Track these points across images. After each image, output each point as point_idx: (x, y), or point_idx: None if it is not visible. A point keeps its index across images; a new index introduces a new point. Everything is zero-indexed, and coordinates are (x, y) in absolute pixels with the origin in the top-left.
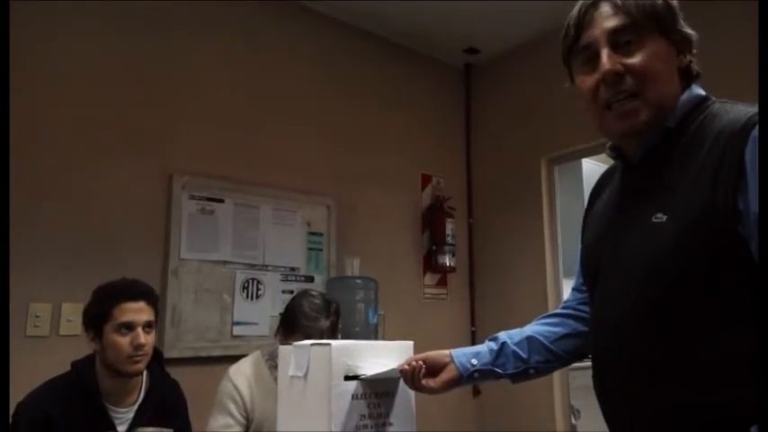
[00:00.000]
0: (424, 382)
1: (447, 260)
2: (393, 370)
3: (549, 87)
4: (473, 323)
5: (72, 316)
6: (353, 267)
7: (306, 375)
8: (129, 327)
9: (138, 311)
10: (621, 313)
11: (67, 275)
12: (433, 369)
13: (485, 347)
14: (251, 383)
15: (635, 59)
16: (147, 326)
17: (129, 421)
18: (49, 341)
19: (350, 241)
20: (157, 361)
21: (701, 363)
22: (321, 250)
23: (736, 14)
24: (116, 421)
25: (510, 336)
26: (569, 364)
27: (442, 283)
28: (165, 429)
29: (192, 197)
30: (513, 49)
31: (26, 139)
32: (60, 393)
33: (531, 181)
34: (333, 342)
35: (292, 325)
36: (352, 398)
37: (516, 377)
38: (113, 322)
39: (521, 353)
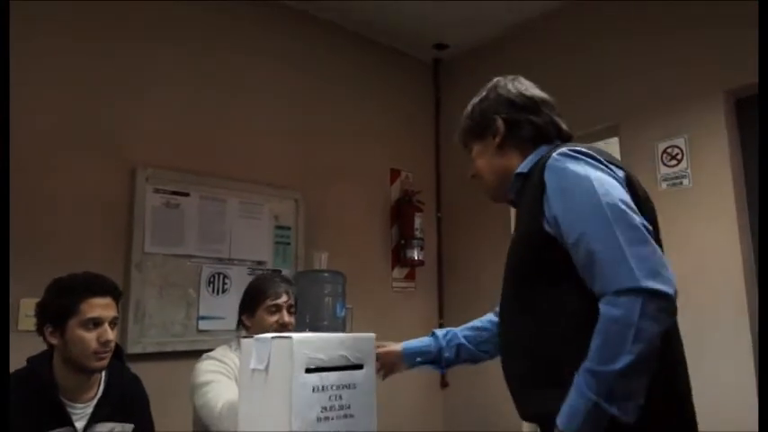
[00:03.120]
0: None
1: (415, 254)
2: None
3: None
4: (441, 316)
5: (31, 311)
6: (321, 261)
7: (267, 368)
8: (97, 322)
9: (105, 307)
10: (502, 305)
11: (26, 271)
12: (388, 363)
13: (429, 345)
14: (235, 361)
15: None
16: (113, 322)
17: (87, 417)
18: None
19: (318, 235)
20: (117, 356)
21: (537, 339)
22: (289, 244)
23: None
24: (74, 417)
25: (447, 339)
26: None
27: (410, 276)
28: (125, 424)
29: (157, 190)
30: (483, 45)
31: None
32: (15, 389)
33: None
34: (294, 335)
35: (257, 295)
36: (313, 390)
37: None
38: (80, 317)
39: (452, 356)
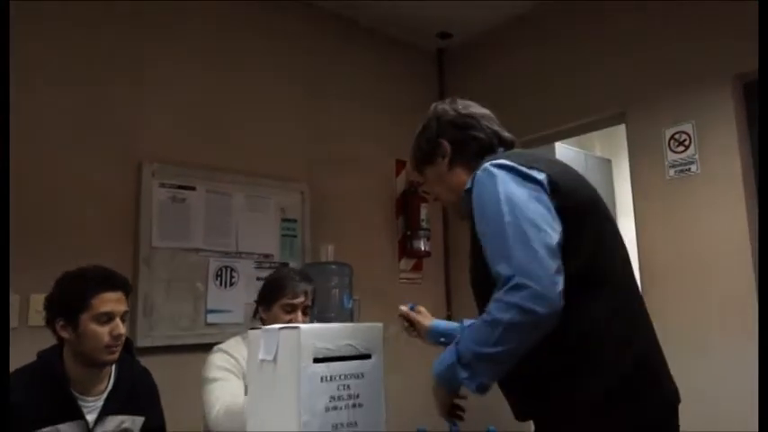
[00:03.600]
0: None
1: (422, 245)
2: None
3: (521, 71)
4: (448, 307)
5: (41, 307)
6: (328, 253)
7: (275, 359)
8: (109, 317)
9: (117, 302)
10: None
11: (36, 266)
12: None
13: (455, 330)
14: (244, 355)
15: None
16: (124, 316)
17: (98, 410)
18: (18, 332)
19: (324, 227)
20: (127, 349)
21: None
22: (295, 237)
23: None
24: (85, 410)
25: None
26: None
27: (417, 267)
28: (135, 417)
29: (163, 185)
30: (486, 34)
31: None
32: (26, 383)
33: None
34: (301, 325)
35: (276, 291)
36: (322, 380)
37: None
38: (92, 312)
39: None
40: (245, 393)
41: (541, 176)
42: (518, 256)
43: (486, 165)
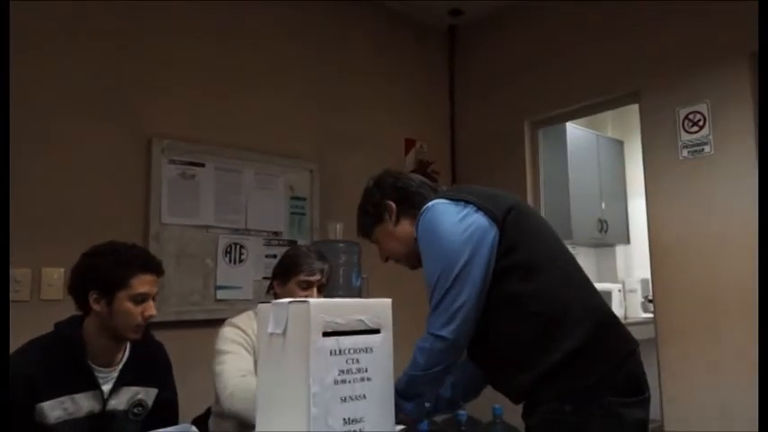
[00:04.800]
0: None
1: None
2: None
3: (533, 49)
4: None
5: (52, 281)
6: (336, 231)
7: (285, 332)
8: (144, 298)
9: (153, 284)
10: None
11: (47, 241)
12: None
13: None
14: (253, 328)
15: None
16: (155, 297)
17: (113, 380)
18: (31, 306)
19: (333, 205)
20: None
21: (495, 351)
22: (304, 215)
23: None
24: (101, 380)
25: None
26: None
27: None
28: (149, 389)
29: (173, 161)
30: (498, 11)
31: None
32: (43, 353)
33: (515, 144)
34: (311, 300)
35: (292, 267)
36: (331, 353)
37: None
38: (130, 291)
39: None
40: (255, 367)
41: (474, 214)
42: (446, 310)
43: (423, 211)
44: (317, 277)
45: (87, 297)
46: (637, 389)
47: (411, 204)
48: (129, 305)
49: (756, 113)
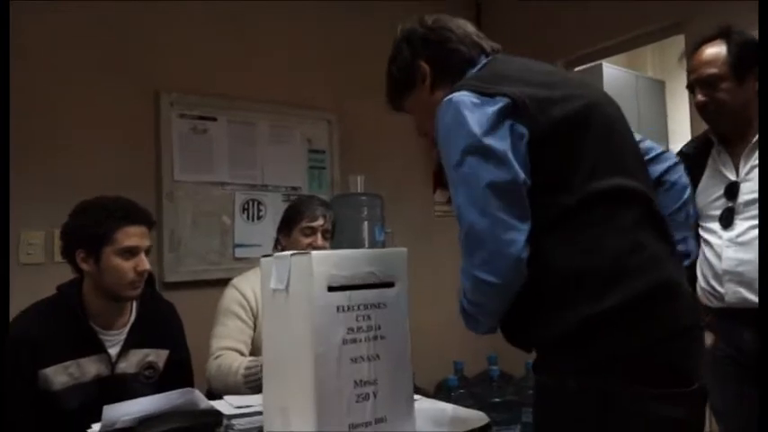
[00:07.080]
0: None
1: None
2: None
3: None
4: None
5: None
6: (358, 184)
7: (287, 288)
8: (134, 252)
9: (141, 236)
10: None
11: (58, 202)
12: None
13: None
14: (255, 290)
15: None
16: (148, 251)
17: (120, 343)
18: (45, 268)
19: (354, 158)
20: (149, 283)
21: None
22: (324, 168)
23: None
24: (107, 343)
25: None
26: None
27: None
28: (159, 351)
29: (183, 116)
30: None
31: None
32: (45, 316)
33: None
34: (313, 252)
35: (295, 215)
36: (338, 310)
37: None
38: (116, 246)
39: None
40: (255, 332)
41: (504, 102)
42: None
43: (450, 95)
44: (319, 222)
45: (76, 258)
46: (678, 378)
47: (448, 66)
48: (118, 261)
49: None
